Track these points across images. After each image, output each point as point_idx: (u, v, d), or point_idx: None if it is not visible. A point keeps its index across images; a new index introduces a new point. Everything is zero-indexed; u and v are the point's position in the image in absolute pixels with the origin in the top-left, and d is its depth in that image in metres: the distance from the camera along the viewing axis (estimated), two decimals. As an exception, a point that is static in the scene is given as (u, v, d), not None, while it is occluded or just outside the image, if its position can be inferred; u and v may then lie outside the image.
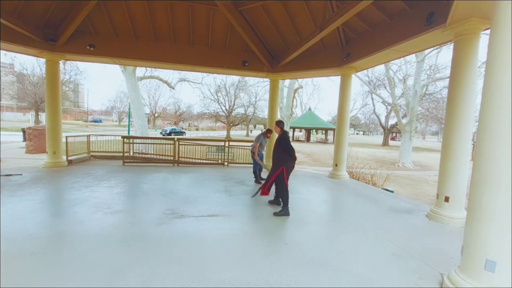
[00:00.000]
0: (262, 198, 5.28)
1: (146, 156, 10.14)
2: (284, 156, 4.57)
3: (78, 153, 9.04)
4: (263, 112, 37.22)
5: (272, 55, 8.85)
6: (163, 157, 9.80)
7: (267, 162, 8.26)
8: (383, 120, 38.70)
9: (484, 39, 6.01)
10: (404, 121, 18.64)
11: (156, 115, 45.44)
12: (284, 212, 4.44)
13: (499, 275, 2.21)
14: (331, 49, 7.86)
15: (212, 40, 8.31)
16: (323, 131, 42.12)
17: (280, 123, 4.88)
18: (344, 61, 7.36)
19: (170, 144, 9.46)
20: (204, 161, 9.78)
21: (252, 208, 4.87)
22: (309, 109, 37.62)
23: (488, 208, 2.27)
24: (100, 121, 60.46)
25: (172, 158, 9.33)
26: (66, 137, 8.44)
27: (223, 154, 9.88)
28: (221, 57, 8.56)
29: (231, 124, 34.59)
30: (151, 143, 10.22)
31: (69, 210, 4.25)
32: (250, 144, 10.08)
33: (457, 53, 4.49)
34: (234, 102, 33.29)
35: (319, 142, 38.64)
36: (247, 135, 42.64)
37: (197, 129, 58.71)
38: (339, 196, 6.40)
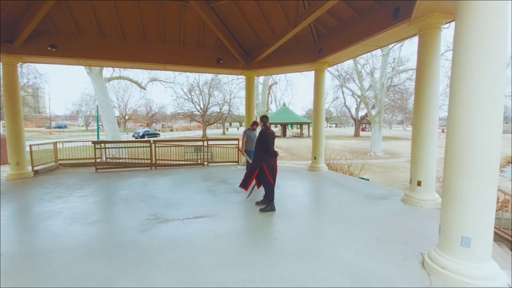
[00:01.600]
0: (248, 197, 5.24)
1: (120, 161, 9.67)
2: (263, 153, 4.53)
3: (44, 162, 8.39)
4: (239, 110, 37.16)
5: (247, 52, 8.82)
6: (139, 161, 9.42)
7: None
8: (353, 112, 40.33)
9: (444, 32, 6.44)
10: (373, 112, 19.58)
11: (126, 117, 43.39)
12: (270, 207, 4.48)
13: (474, 249, 2.41)
14: (304, 45, 8.01)
15: (184, 37, 8.08)
16: (298, 126, 43.03)
17: (264, 118, 4.77)
18: (317, 56, 7.54)
19: (146, 147, 9.11)
20: (182, 163, 9.55)
21: (237, 206, 4.85)
22: (284, 104, 38.13)
23: (462, 190, 2.46)
24: (65, 127, 56.44)
25: (148, 161, 9.00)
26: (30, 145, 7.79)
27: (201, 153, 9.72)
28: (194, 55, 8.37)
29: (206, 123, 34.05)
30: (124, 147, 9.76)
31: (42, 224, 3.94)
32: (229, 142, 10.07)
33: (422, 45, 4.79)
34: (209, 100, 32.79)
35: (295, 136, 39.37)
36: (224, 133, 42.28)
37: (171, 130, 57.02)
38: (320, 187, 6.59)
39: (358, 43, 6.01)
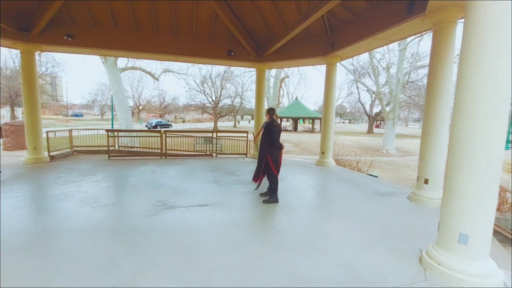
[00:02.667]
0: (256, 189, 5.32)
1: (132, 149, 9.97)
2: (268, 145, 4.60)
3: (60, 149, 8.77)
4: (250, 103, 37.10)
5: (258, 44, 8.79)
6: (150, 150, 9.68)
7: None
8: (368, 108, 39.48)
9: (460, 27, 6.19)
10: (387, 108, 19.13)
11: (140, 108, 44.27)
12: (273, 199, 4.55)
13: (471, 247, 2.40)
14: (316, 38, 7.90)
15: (196, 29, 8.14)
16: (310, 121, 42.60)
17: (270, 111, 4.74)
18: (329, 50, 7.43)
19: (157, 136, 9.34)
20: (191, 153, 9.73)
21: (242, 197, 4.94)
22: (296, 98, 37.79)
23: (461, 188, 2.44)
24: (81, 115, 58.33)
25: (159, 151, 9.23)
26: (47, 132, 8.15)
27: (211, 145, 9.86)
28: (205, 46, 8.42)
29: (218, 115, 34.27)
30: (136, 136, 10.03)
31: (55, 206, 4.17)
32: (238, 135, 10.16)
33: (436, 40, 4.65)
34: (221, 93, 32.90)
35: (306, 131, 39.07)
36: (235, 126, 42.49)
37: (183, 121, 57.85)
38: (325, 182, 6.59)
39: (371, 36, 5.88)
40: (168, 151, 9.24)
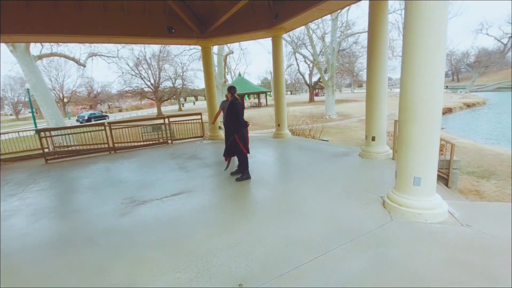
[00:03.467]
0: (226, 169, 5.33)
1: (71, 148, 8.81)
2: (233, 124, 4.62)
3: (-24, 160, 7.27)
4: (193, 83, 35.52)
5: (200, 19, 8.30)
6: (94, 147, 8.70)
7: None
8: (307, 78, 41.48)
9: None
10: (326, 77, 20.45)
11: (65, 100, 38.45)
12: (246, 176, 4.67)
13: (423, 187, 2.92)
14: (260, 10, 7.80)
15: (128, 4, 7.23)
16: (255, 96, 43.04)
17: (231, 89, 4.70)
18: (274, 22, 7.46)
19: (100, 130, 8.41)
20: (144, 143, 9.10)
21: (213, 179, 4.95)
22: (239, 74, 37.40)
23: (414, 139, 2.89)
24: (-14, 117, 48.05)
25: (105, 146, 8.38)
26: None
27: (161, 132, 9.34)
28: (141, 23, 7.60)
29: (160, 100, 32.01)
30: (75, 133, 8.83)
31: (3, 224, 3.57)
32: (191, 118, 9.79)
33: (372, 10, 5.07)
34: (159, 75, 30.51)
35: (253, 106, 39.52)
36: (180, 109, 40.44)
37: (120, 110, 52.56)
38: (287, 152, 6.96)
39: (315, 7, 6.08)
40: (116, 145, 8.45)
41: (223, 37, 8.61)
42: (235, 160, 5.01)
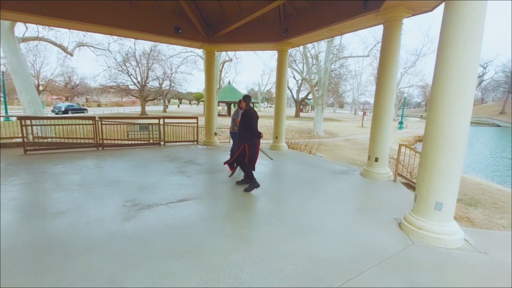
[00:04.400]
0: (230, 176, 5.19)
1: (54, 140, 8.15)
2: (246, 133, 4.52)
3: None
4: (181, 86, 34.94)
5: (207, 23, 8.22)
6: (79, 141, 8.11)
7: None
8: (295, 93, 42.38)
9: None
10: (317, 94, 20.99)
11: (40, 88, 35.98)
12: (253, 185, 4.52)
13: (444, 212, 2.97)
14: (269, 23, 7.89)
15: (137, -2, 7.00)
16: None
17: (246, 98, 4.69)
18: (283, 36, 7.55)
19: (88, 124, 7.88)
20: (134, 142, 8.67)
21: (218, 187, 4.76)
22: (229, 82, 37.41)
23: (438, 165, 2.95)
24: None
25: (91, 141, 7.85)
26: None
27: (150, 132, 8.96)
28: (148, 20, 7.35)
29: (145, 99, 30.96)
30: (60, 125, 8.19)
31: (-19, 220, 3.13)
32: (186, 121, 9.52)
33: (386, 35, 5.28)
34: (147, 74, 29.65)
35: (240, 115, 39.49)
36: (164, 110, 39.40)
37: (99, 105, 50.27)
38: (287, 165, 6.90)
39: (327, 27, 6.24)
40: (104, 141, 7.95)
41: (228, 44, 8.57)
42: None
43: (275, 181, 5.34)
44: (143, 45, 27.90)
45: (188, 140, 9.32)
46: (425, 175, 3.10)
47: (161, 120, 8.66)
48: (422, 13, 5.15)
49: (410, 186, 5.35)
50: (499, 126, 45.36)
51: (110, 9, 6.80)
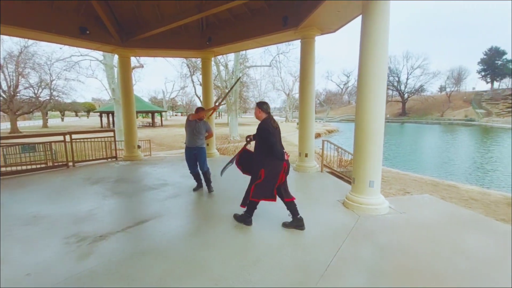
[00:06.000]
0: (174, 191, 4.90)
1: None
2: (264, 154, 3.19)
3: None
4: (67, 96, 29.26)
5: (121, 25, 7.43)
6: None
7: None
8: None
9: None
10: (230, 100, 21.79)
11: None
12: (245, 219, 3.49)
13: (376, 188, 3.88)
14: (191, 30, 7.85)
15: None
16: (146, 115, 39.86)
17: (262, 105, 3.30)
18: (207, 45, 7.68)
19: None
20: (31, 167, 6.86)
21: (173, 203, 4.45)
22: (130, 90, 33.84)
23: (369, 151, 3.83)
24: None
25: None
26: None
27: (40, 153, 7.31)
28: (44, 15, 6.05)
29: (16, 113, 24.20)
30: None
31: None
32: (101, 135, 8.25)
33: (304, 49, 6.22)
34: (18, 82, 23.32)
35: (146, 126, 36.41)
36: (45, 125, 31.91)
37: None
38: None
39: (252, 39, 6.79)
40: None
41: (147, 50, 8.01)
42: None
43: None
44: (9, 46, 21.86)
45: (104, 157, 8.10)
46: (360, 161, 3.94)
47: (67, 137, 7.21)
48: (328, 33, 6.32)
49: (334, 174, 6.49)
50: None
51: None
